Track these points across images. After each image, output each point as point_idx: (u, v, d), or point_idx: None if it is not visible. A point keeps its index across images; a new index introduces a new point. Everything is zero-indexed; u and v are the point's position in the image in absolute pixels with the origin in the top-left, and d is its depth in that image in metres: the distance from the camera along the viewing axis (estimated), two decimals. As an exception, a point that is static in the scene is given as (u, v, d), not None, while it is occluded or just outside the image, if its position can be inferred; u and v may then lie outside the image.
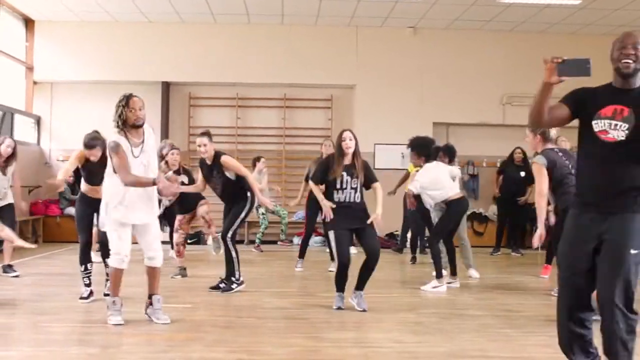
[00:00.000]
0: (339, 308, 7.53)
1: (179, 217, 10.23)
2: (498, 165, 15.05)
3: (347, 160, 7.60)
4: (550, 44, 16.11)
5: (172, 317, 6.77)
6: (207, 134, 8.62)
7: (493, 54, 16.22)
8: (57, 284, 9.21)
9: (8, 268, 9.91)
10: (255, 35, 15.91)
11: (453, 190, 9.31)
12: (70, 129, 15.28)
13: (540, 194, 7.38)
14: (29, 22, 15.76)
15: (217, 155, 8.58)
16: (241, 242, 15.27)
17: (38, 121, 16.02)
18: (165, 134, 15.75)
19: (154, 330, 6.42)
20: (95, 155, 7.73)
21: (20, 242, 7.81)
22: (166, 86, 16.07)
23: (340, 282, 7.56)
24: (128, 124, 6.40)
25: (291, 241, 15.58)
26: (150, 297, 6.76)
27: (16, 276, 9.79)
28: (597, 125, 4.22)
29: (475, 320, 7.08)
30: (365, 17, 15.31)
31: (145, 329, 6.45)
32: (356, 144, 7.66)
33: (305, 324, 6.86)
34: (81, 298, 7.78)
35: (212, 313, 7.36)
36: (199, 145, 8.56)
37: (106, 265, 7.82)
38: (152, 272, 6.75)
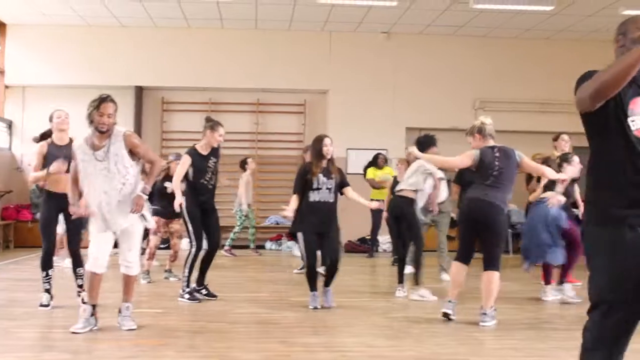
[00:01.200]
0: (315, 308, 7.80)
1: (155, 219, 10.00)
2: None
3: (324, 164, 8.00)
4: (523, 49, 16.30)
5: (143, 323, 6.75)
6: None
7: (466, 59, 16.33)
8: (28, 289, 9.13)
9: None
10: (229, 40, 15.92)
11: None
12: (42, 133, 15.16)
13: (448, 163, 8.07)
14: (0, 26, 15.64)
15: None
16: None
17: (10, 125, 15.88)
18: (138, 138, 15.70)
19: (125, 336, 6.38)
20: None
21: None
22: (139, 90, 16.03)
23: (311, 281, 7.90)
24: (93, 126, 6.31)
25: (263, 247, 15.62)
26: (122, 304, 6.70)
27: None
28: (634, 123, 3.38)
29: (446, 325, 7.13)
30: (339, 22, 15.37)
31: (117, 335, 6.42)
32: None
33: (277, 328, 6.86)
34: (41, 305, 7.62)
35: (184, 318, 7.36)
36: (221, 135, 8.62)
37: (77, 276, 7.79)
38: (126, 280, 6.64)
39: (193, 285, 8.42)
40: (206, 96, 16.26)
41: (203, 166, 8.32)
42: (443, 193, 10.10)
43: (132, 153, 6.46)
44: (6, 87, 15.86)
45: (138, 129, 15.79)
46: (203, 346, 6.05)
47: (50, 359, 5.62)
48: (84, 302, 7.28)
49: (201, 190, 8.33)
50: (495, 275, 7.15)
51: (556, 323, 7.28)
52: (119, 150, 6.32)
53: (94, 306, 6.52)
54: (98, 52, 15.56)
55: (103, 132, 6.27)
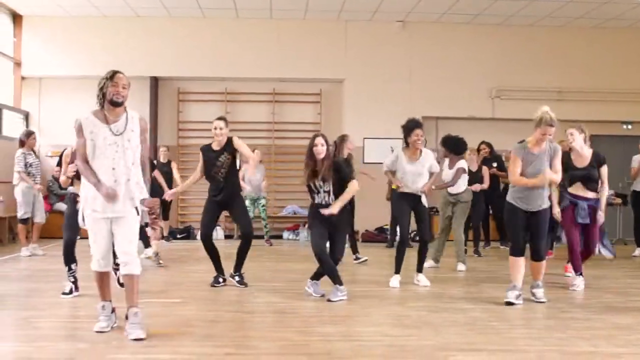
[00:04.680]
0: (329, 300, 7.69)
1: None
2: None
3: (318, 165, 7.88)
4: (539, 37, 16.20)
5: (160, 313, 6.77)
6: (223, 118, 8.84)
7: (482, 48, 16.26)
8: (46, 280, 9.20)
9: None
10: (244, 29, 15.91)
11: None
12: (58, 124, 15.30)
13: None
14: (16, 17, 15.71)
15: (229, 138, 8.71)
16: (231, 237, 15.29)
17: (26, 117, 15.98)
18: (154, 129, 15.74)
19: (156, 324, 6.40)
20: None
21: None
22: (155, 81, 16.05)
23: (327, 273, 7.91)
24: (107, 99, 5.95)
25: (280, 237, 15.66)
26: (128, 309, 6.04)
27: None
28: None
29: (464, 314, 7.10)
30: (354, 11, 15.32)
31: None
32: (327, 149, 7.92)
33: (294, 318, 6.86)
34: (63, 293, 7.75)
35: (201, 308, 7.34)
36: (215, 128, 8.63)
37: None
38: (127, 281, 6.02)
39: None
40: (222, 86, 16.27)
41: (212, 160, 8.66)
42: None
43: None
44: (23, 78, 15.94)
45: (154, 120, 15.84)
46: (220, 335, 6.04)
47: (68, 348, 5.62)
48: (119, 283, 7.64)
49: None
50: None
51: (575, 312, 7.23)
52: (135, 127, 6.04)
53: (110, 301, 6.23)
54: (114, 42, 15.60)
55: (119, 104, 5.97)
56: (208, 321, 6.67)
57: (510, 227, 7.82)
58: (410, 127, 8.96)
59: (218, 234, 15.71)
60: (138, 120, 6.10)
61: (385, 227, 15.03)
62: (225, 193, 8.65)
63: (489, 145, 13.82)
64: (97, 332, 6.01)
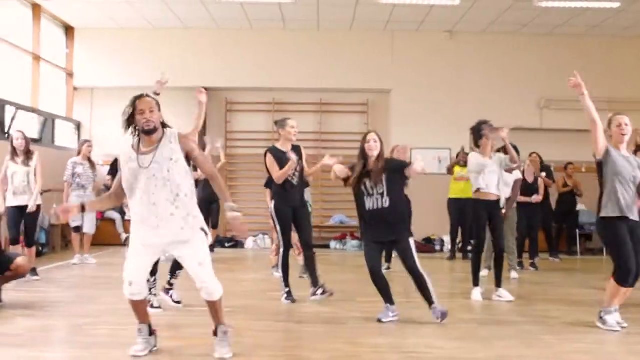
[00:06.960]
0: (379, 320, 7.20)
1: None
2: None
3: (370, 165, 7.28)
4: (588, 47, 16.04)
5: (210, 322, 6.76)
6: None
7: (530, 58, 16.15)
8: (99, 287, 9.34)
9: (32, 271, 9.72)
10: (291, 40, 16.03)
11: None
12: (109, 134, 15.51)
13: None
14: (69, 30, 16.03)
15: (296, 145, 8.63)
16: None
17: (78, 126, 16.29)
18: (202, 139, 15.90)
19: (194, 334, 6.47)
20: None
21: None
22: (203, 91, 16.21)
23: (380, 291, 7.33)
24: (138, 129, 5.43)
25: (328, 246, 15.68)
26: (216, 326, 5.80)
27: (37, 280, 9.86)
28: None
29: (514, 327, 7.05)
30: (401, 21, 15.34)
31: (185, 333, 6.53)
32: (381, 147, 7.33)
33: (344, 329, 6.87)
34: (152, 307, 7.31)
35: (251, 318, 7.38)
36: (292, 127, 8.56)
37: (173, 276, 7.85)
38: (209, 305, 5.74)
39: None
40: (269, 96, 16.40)
41: (285, 163, 8.33)
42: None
43: (188, 159, 5.52)
44: (75, 89, 16.26)
45: (202, 130, 15.93)
46: (271, 346, 6.09)
47: (123, 355, 5.69)
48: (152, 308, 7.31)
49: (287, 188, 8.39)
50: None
51: (629, 327, 7.13)
52: (173, 154, 5.39)
53: (149, 325, 5.80)
54: (163, 54, 15.81)
55: (150, 132, 5.37)
56: (258, 331, 6.71)
57: (617, 247, 6.72)
58: (480, 129, 9.15)
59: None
60: (178, 142, 5.46)
61: (432, 237, 14.98)
62: (296, 197, 8.36)
63: (539, 156, 13.77)
64: (133, 356, 5.63)
